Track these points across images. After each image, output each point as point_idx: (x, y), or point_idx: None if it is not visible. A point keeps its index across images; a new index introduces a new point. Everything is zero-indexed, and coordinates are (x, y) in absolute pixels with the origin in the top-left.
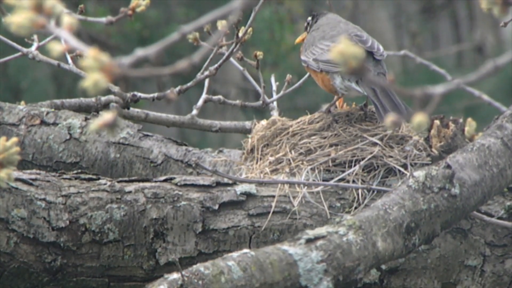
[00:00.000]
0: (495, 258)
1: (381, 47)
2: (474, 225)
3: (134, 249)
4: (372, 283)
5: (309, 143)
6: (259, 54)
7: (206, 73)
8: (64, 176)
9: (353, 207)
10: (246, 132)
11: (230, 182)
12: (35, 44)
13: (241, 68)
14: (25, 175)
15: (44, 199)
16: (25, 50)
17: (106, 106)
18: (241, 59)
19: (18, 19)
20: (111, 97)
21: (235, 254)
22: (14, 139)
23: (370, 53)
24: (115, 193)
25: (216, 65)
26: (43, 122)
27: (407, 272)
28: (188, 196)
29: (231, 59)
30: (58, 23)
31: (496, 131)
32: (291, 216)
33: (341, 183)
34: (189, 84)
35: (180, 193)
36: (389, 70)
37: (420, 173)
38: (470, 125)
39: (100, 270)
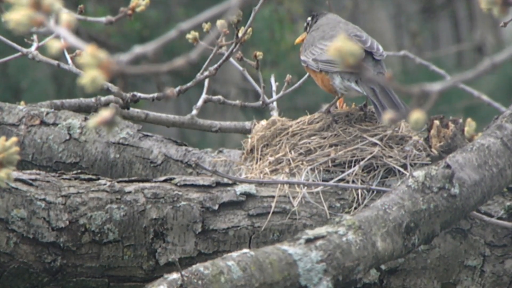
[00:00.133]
0: (495, 258)
1: (380, 47)
2: (474, 225)
3: (134, 249)
4: (371, 283)
5: (309, 143)
6: (259, 54)
7: (206, 73)
8: (64, 176)
9: (353, 207)
10: (246, 132)
11: (230, 182)
12: (35, 44)
13: (241, 68)
14: (25, 175)
15: (44, 199)
16: (25, 50)
17: (106, 106)
18: (241, 59)
19: (16, 16)
20: (111, 97)
21: (234, 254)
22: (14, 139)
23: (369, 53)
24: (115, 193)
25: (216, 65)
26: (43, 122)
27: (407, 272)
28: (188, 196)
29: (231, 59)
30: (56, 21)
31: (496, 131)
32: (291, 217)
33: (341, 184)
34: (189, 84)
35: (180, 193)
36: (388, 70)
37: (419, 173)
38: (470, 125)
39: (100, 270)
